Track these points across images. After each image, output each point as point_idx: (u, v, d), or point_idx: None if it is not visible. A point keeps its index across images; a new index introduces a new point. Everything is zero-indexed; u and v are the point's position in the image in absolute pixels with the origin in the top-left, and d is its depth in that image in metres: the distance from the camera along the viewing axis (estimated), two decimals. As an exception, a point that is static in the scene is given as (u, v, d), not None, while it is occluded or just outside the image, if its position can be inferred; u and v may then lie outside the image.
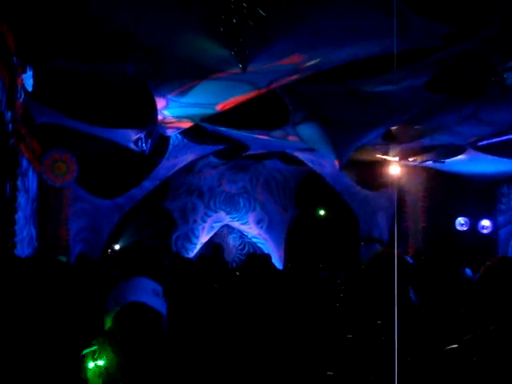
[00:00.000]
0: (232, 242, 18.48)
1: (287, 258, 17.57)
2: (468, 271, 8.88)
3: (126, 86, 9.32)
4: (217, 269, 6.91)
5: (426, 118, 10.96)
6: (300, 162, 16.49)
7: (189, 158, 15.41)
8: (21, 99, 8.76)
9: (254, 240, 18.61)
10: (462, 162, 13.78)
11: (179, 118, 10.93)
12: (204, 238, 17.95)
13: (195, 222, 17.76)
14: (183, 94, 9.16)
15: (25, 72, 8.32)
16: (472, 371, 2.41)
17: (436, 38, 7.20)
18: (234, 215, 18.25)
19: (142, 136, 12.01)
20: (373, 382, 2.89)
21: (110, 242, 15.68)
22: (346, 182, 16.54)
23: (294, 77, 8.90)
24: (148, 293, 2.42)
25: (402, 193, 15.99)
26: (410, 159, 13.90)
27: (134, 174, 14.79)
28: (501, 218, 15.89)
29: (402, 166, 13.80)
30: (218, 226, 18.28)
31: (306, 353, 3.55)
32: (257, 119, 11.65)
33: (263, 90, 9.26)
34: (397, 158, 13.26)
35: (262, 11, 6.03)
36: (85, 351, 2.37)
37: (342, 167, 13.41)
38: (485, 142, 12.46)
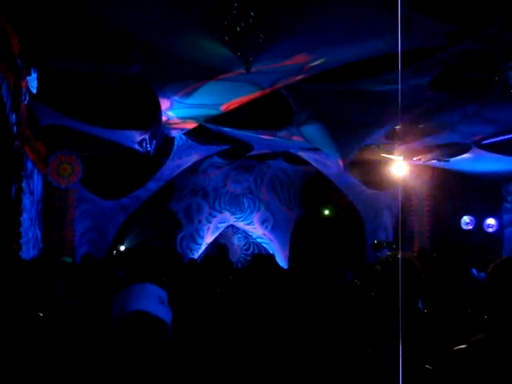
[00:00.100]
0: (237, 242, 18.49)
1: (292, 258, 17.56)
2: (474, 271, 8.87)
3: (130, 88, 9.33)
4: (222, 270, 6.91)
5: (430, 117, 10.95)
6: (304, 162, 16.48)
7: (193, 158, 15.43)
8: (25, 101, 8.79)
9: (259, 240, 18.62)
10: (466, 161, 13.76)
11: (184, 118, 10.94)
12: (209, 239, 17.96)
13: (200, 222, 17.77)
14: (188, 95, 9.17)
15: (29, 74, 8.34)
16: (481, 372, 2.41)
17: (440, 37, 7.19)
18: (239, 215, 18.26)
19: (147, 137, 12.04)
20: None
21: (115, 242, 15.71)
22: (350, 182, 16.53)
23: (299, 77, 8.90)
24: (153, 300, 2.38)
25: (407, 192, 15.97)
26: (415, 158, 13.88)
27: (139, 174, 14.81)
28: (506, 217, 15.85)
29: (407, 165, 13.78)
30: (222, 226, 18.28)
31: (314, 356, 3.54)
32: (261, 119, 11.66)
33: (267, 90, 9.26)
34: (401, 158, 13.25)
35: (265, 11, 6.03)
36: None
37: (346, 167, 13.40)
38: (489, 141, 12.44)
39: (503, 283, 2.53)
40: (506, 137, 12.04)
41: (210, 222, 17.94)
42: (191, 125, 11.68)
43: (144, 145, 12.28)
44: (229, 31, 6.39)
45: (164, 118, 10.51)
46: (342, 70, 8.75)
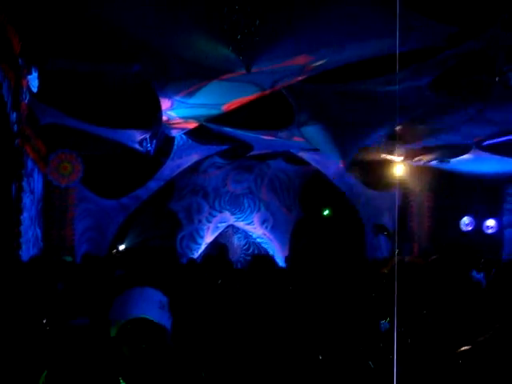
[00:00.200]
0: (237, 242, 18.49)
1: (292, 258, 17.55)
2: (475, 273, 8.87)
3: (131, 87, 9.34)
4: (222, 270, 6.92)
5: (430, 117, 10.95)
6: (304, 162, 16.49)
7: (193, 158, 15.43)
8: (26, 100, 8.80)
9: (259, 240, 18.62)
10: (467, 162, 13.76)
11: (184, 118, 10.95)
12: (209, 238, 17.96)
13: (200, 222, 17.78)
14: (189, 95, 9.18)
15: (30, 73, 8.35)
16: (485, 372, 2.41)
17: (440, 38, 7.20)
18: (239, 215, 18.26)
19: (147, 136, 12.05)
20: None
21: (115, 242, 15.71)
22: (350, 182, 16.54)
23: (300, 77, 8.91)
24: (153, 306, 2.36)
25: (407, 193, 15.98)
26: (415, 159, 13.89)
27: (139, 174, 14.82)
28: (506, 218, 15.86)
29: (407, 165, 13.79)
30: (222, 226, 18.29)
31: (314, 356, 3.54)
32: (262, 120, 11.66)
33: (268, 91, 9.27)
34: (402, 158, 13.26)
35: (265, 12, 6.04)
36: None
37: (346, 167, 13.41)
38: (490, 142, 12.45)
39: (509, 284, 2.53)
40: (507, 138, 12.04)
41: (210, 222, 17.94)
42: (192, 124, 11.69)
43: (144, 144, 12.29)
44: (230, 31, 6.40)
45: (165, 118, 10.51)
46: (342, 71, 8.76)
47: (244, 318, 3.99)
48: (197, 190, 17.59)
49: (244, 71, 7.37)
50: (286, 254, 17.75)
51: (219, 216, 18.03)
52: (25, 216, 9.68)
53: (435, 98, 9.91)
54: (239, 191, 18.12)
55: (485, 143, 12.53)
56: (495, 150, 12.71)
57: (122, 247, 15.80)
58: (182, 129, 12.11)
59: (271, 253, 17.45)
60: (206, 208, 17.78)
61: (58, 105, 10.05)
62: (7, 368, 3.10)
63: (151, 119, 10.92)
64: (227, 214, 18.11)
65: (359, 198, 17.03)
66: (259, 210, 18.33)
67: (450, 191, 15.69)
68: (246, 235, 18.62)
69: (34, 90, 8.65)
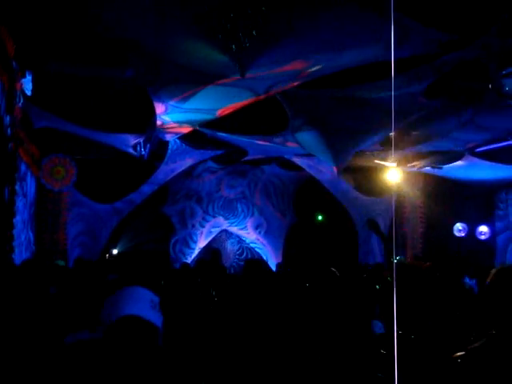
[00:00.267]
0: (230, 247, 18.48)
1: (285, 263, 17.57)
2: (467, 279, 8.89)
3: (125, 91, 9.34)
4: (215, 274, 6.91)
5: (424, 124, 10.99)
6: (298, 168, 16.52)
7: (187, 162, 15.42)
8: (20, 104, 8.78)
9: (252, 245, 18.62)
10: (460, 168, 13.81)
11: (179, 123, 10.95)
12: (202, 243, 17.95)
13: (193, 226, 17.77)
14: (184, 100, 9.18)
15: (24, 77, 8.34)
16: (480, 378, 2.42)
17: (434, 45, 7.23)
18: (233, 220, 18.27)
19: (141, 141, 12.04)
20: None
21: (108, 246, 15.68)
22: (344, 188, 16.57)
23: (295, 83, 8.92)
24: (145, 305, 2.35)
25: (400, 199, 16.02)
26: (409, 165, 13.93)
27: (133, 178, 14.80)
28: (498, 224, 15.91)
29: (401, 171, 13.83)
30: (216, 230, 18.28)
31: (308, 360, 3.54)
32: (256, 125, 11.67)
33: (263, 96, 9.28)
34: (395, 164, 13.30)
35: (262, 16, 6.05)
36: None
37: (339, 173, 13.43)
38: (483, 148, 12.50)
39: (504, 290, 2.53)
40: (499, 144, 12.10)
41: (203, 227, 17.93)
42: (186, 129, 11.68)
43: (138, 148, 12.29)
44: (224, 37, 6.41)
45: (159, 122, 10.51)
46: (336, 77, 8.78)
47: (237, 321, 3.98)
48: (190, 194, 17.59)
49: (239, 76, 7.38)
50: (280, 258, 17.77)
51: (213, 221, 18.03)
52: (17, 219, 9.66)
53: (429, 105, 9.95)
54: (233, 196, 18.12)
55: (478, 150, 12.58)
56: (488, 156, 12.76)
57: (115, 251, 15.77)
58: (176, 133, 12.11)
59: (265, 258, 17.45)
60: (200, 213, 17.78)
61: (52, 109, 10.04)
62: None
63: (145, 124, 10.92)
64: (221, 218, 18.11)
65: (352, 203, 17.05)
66: (253, 214, 18.34)
67: (443, 197, 15.74)
68: (240, 240, 18.62)
69: (28, 93, 8.64)
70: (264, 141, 12.74)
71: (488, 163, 12.97)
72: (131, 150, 12.54)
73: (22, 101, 8.84)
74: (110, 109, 10.08)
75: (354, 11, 6.27)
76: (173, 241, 17.49)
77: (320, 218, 18.10)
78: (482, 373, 2.43)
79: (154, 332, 2.31)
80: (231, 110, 10.00)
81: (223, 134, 12.51)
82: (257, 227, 18.44)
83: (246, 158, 15.36)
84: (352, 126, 10.97)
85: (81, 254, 13.70)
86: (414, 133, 11.40)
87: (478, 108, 9.95)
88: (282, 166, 17.15)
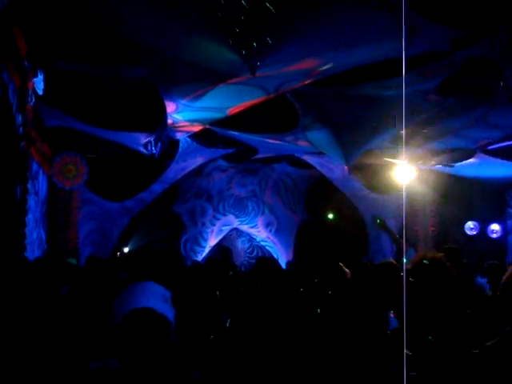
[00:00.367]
0: (241, 245, 18.50)
1: (296, 261, 17.55)
2: (479, 278, 8.83)
3: (136, 90, 9.36)
4: (226, 272, 6.92)
5: (435, 121, 10.94)
6: (309, 166, 16.50)
7: (198, 161, 15.44)
8: (31, 103, 8.83)
9: (263, 243, 18.62)
10: (471, 166, 13.74)
11: (189, 121, 10.97)
12: (213, 241, 17.97)
13: (204, 225, 17.79)
14: (194, 98, 9.20)
15: (36, 76, 8.38)
16: (493, 376, 2.41)
17: (445, 43, 7.20)
18: (243, 218, 18.28)
19: (152, 139, 12.07)
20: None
21: (119, 245, 15.72)
22: (354, 186, 16.52)
23: (306, 81, 8.91)
24: (157, 298, 2.36)
25: (411, 197, 15.95)
26: (419, 163, 13.86)
27: (144, 177, 14.83)
28: (510, 223, 15.81)
29: (411, 169, 13.77)
30: (226, 229, 18.30)
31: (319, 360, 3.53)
32: (267, 123, 11.67)
33: (273, 94, 9.28)
34: (406, 162, 13.24)
35: (272, 15, 6.05)
36: None
37: (350, 171, 13.40)
38: (494, 146, 12.43)
39: None
40: (511, 142, 12.03)
41: (213, 225, 17.96)
42: (197, 128, 11.70)
43: (149, 147, 12.31)
44: (234, 35, 6.41)
45: (170, 121, 10.53)
46: (346, 74, 8.76)
47: (248, 319, 3.99)
48: (201, 193, 17.61)
49: (249, 75, 7.38)
50: (290, 256, 17.76)
51: (223, 219, 18.04)
52: (29, 218, 9.71)
53: (440, 102, 9.91)
54: (243, 194, 18.13)
55: (489, 147, 12.51)
56: (500, 154, 12.69)
57: (126, 250, 15.82)
58: (187, 132, 12.13)
59: (275, 256, 17.45)
60: (210, 211, 17.80)
61: (64, 107, 10.08)
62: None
63: (156, 122, 10.94)
64: (231, 217, 18.12)
65: (363, 201, 17.01)
66: (263, 213, 18.34)
67: (455, 195, 15.66)
68: (250, 238, 18.63)
69: (40, 92, 8.68)
70: (275, 139, 12.74)
71: (500, 161, 12.90)
72: (142, 149, 12.57)
73: (33, 100, 8.88)
74: (122, 107, 10.10)
75: (365, 8, 6.25)
76: (183, 239, 17.52)
77: (331, 216, 18.07)
78: (496, 371, 2.42)
79: (167, 325, 2.32)
80: (242, 109, 10.01)
81: (234, 133, 12.52)
82: (267, 225, 18.44)
83: (256, 157, 15.36)
84: (362, 124, 10.95)
85: (92, 252, 13.75)
86: (425, 130, 11.35)
87: (490, 105, 9.90)
88: (293, 164, 17.12)
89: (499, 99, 9.36)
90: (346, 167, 12.98)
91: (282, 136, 12.36)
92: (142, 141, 12.23)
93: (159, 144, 12.08)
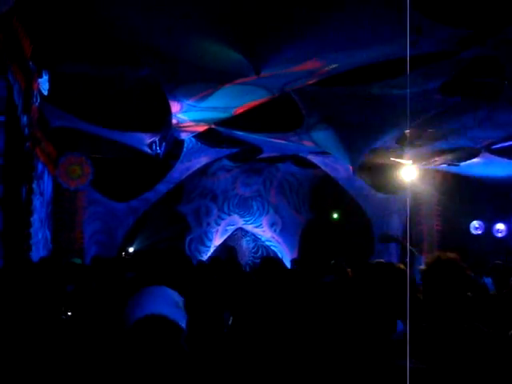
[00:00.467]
0: (245, 245, 18.50)
1: (301, 261, 17.53)
2: (484, 278, 8.80)
3: (141, 90, 9.38)
4: (231, 272, 6.92)
5: (440, 121, 10.93)
6: (314, 166, 16.49)
7: (203, 161, 15.45)
8: (37, 103, 8.85)
9: (268, 243, 18.62)
10: (476, 165, 13.72)
11: (195, 121, 10.98)
12: (217, 241, 17.98)
13: (209, 224, 17.80)
14: (199, 99, 9.21)
15: (41, 76, 8.40)
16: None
17: (450, 42, 7.19)
18: (248, 218, 18.28)
19: (157, 139, 12.09)
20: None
21: (125, 244, 15.75)
22: (359, 186, 16.51)
23: (311, 81, 8.92)
24: (170, 304, 2.33)
25: (416, 196, 15.92)
26: (424, 162, 13.85)
27: (149, 177, 14.86)
28: (516, 222, 15.79)
29: (417, 169, 13.75)
30: (231, 229, 18.30)
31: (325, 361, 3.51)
32: (272, 123, 11.67)
33: (278, 94, 9.29)
34: (411, 162, 13.22)
35: (275, 16, 6.05)
36: None
37: (355, 171, 13.39)
38: (500, 145, 12.40)
39: None
40: (516, 141, 12.01)
41: (218, 225, 17.97)
42: (202, 127, 11.71)
43: (154, 147, 12.33)
44: (240, 36, 6.42)
45: (174, 121, 10.54)
46: (351, 74, 8.76)
47: (251, 318, 3.99)
48: (206, 192, 17.62)
49: (254, 76, 7.38)
50: (295, 256, 17.75)
51: (228, 219, 18.05)
52: (35, 218, 9.74)
53: (445, 102, 9.89)
54: (248, 194, 18.13)
55: (494, 147, 12.49)
56: (505, 153, 12.67)
57: (131, 249, 15.84)
58: (192, 132, 12.14)
59: (280, 255, 17.45)
60: (215, 211, 17.81)
61: (68, 108, 10.10)
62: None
63: (161, 122, 10.95)
64: (236, 216, 18.13)
65: (368, 201, 16.99)
66: (268, 212, 18.34)
67: (460, 195, 15.63)
68: (255, 238, 18.63)
69: (45, 93, 8.70)
70: (279, 139, 12.74)
71: (505, 160, 12.87)
72: (147, 149, 12.59)
73: (38, 100, 8.90)
74: (126, 108, 10.12)
75: (370, 8, 6.25)
76: (188, 239, 17.54)
77: (335, 215, 18.06)
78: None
79: (178, 331, 2.29)
80: (247, 108, 10.01)
81: (238, 132, 12.53)
82: (272, 225, 18.43)
83: (261, 156, 15.36)
84: (367, 124, 10.94)
85: (97, 252, 13.78)
86: (429, 130, 11.34)
87: (495, 105, 9.88)
88: (298, 163, 17.11)
89: (504, 98, 9.35)
90: (351, 167, 12.97)
91: (286, 136, 12.36)
92: (147, 141, 12.25)
93: (164, 144, 12.09)
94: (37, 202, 10.05)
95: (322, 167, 16.39)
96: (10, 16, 6.37)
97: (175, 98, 9.34)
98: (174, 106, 9.66)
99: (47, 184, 11.77)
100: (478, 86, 9.20)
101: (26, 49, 7.63)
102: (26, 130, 8.44)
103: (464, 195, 15.61)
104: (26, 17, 6.94)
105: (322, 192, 17.96)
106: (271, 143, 13.28)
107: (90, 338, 3.37)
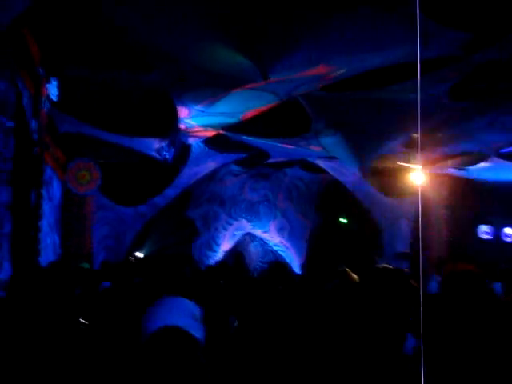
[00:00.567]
0: (253, 249, 18.48)
1: (308, 266, 17.51)
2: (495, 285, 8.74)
3: (149, 95, 9.40)
4: (238, 277, 6.93)
5: (448, 125, 10.91)
6: (321, 170, 16.48)
7: (210, 166, 15.48)
8: (45, 109, 8.89)
9: (276, 248, 18.60)
10: (485, 170, 13.68)
11: (202, 126, 11.00)
12: (225, 246, 17.98)
13: (216, 229, 17.81)
14: (207, 104, 9.23)
15: (49, 82, 8.44)
16: None
17: (458, 46, 7.18)
18: (256, 223, 18.27)
19: (165, 144, 12.11)
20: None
21: (133, 249, 15.78)
22: (367, 190, 16.47)
23: (319, 86, 8.93)
24: (187, 316, 2.28)
25: (424, 201, 15.87)
26: (433, 167, 13.81)
27: (157, 182, 14.90)
28: (525, 227, 15.72)
29: (425, 173, 13.72)
30: (239, 233, 18.30)
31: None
32: (279, 128, 11.68)
33: (286, 99, 9.30)
34: (419, 166, 13.19)
35: (282, 22, 6.07)
36: None
37: (364, 175, 13.38)
38: (508, 150, 12.36)
39: None
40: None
41: (226, 230, 17.97)
42: (209, 133, 11.73)
43: (162, 152, 12.35)
44: (247, 40, 6.43)
45: (182, 126, 10.57)
46: (358, 79, 8.76)
47: (257, 322, 3.98)
48: (213, 197, 17.64)
49: (263, 81, 7.40)
50: (303, 261, 17.73)
51: (236, 224, 18.05)
52: (44, 223, 9.77)
53: (453, 106, 9.88)
54: (256, 199, 18.13)
55: (503, 151, 12.45)
56: (513, 157, 12.65)
57: (139, 254, 15.85)
58: (200, 137, 12.17)
59: (288, 260, 17.43)
60: (223, 216, 17.82)
61: (77, 113, 10.14)
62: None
63: (169, 127, 10.97)
64: (244, 221, 18.13)
65: (376, 205, 16.95)
66: (276, 217, 18.33)
67: (468, 199, 15.57)
68: (263, 243, 18.61)
69: (54, 98, 8.75)
70: (287, 144, 12.75)
71: (513, 164, 12.85)
72: (155, 154, 12.62)
73: (47, 106, 8.95)
74: (134, 113, 10.15)
75: (378, 12, 6.25)
76: (196, 244, 17.56)
77: (343, 220, 18.03)
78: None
79: (195, 344, 2.23)
80: (255, 114, 10.03)
81: (246, 137, 12.54)
82: (280, 230, 18.42)
83: (268, 161, 15.37)
84: (375, 128, 10.93)
85: (106, 257, 13.81)
86: (438, 134, 11.31)
87: (504, 109, 9.85)
88: (305, 168, 17.11)
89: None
90: (359, 171, 12.95)
91: (294, 141, 12.37)
92: (155, 146, 12.27)
93: (172, 149, 12.12)
94: (46, 206, 10.08)
95: (330, 172, 16.37)
96: (18, 23, 6.41)
97: (183, 104, 9.37)
98: (182, 111, 9.69)
99: (56, 189, 11.80)
100: (486, 90, 9.19)
101: (34, 55, 7.68)
102: (35, 135, 8.48)
103: (472, 199, 15.55)
104: (34, 23, 6.98)
105: (330, 197, 17.94)
106: (279, 148, 13.29)
107: (105, 349, 3.36)
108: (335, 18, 6.23)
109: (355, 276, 5.18)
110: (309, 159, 15.68)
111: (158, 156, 12.65)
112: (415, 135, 11.52)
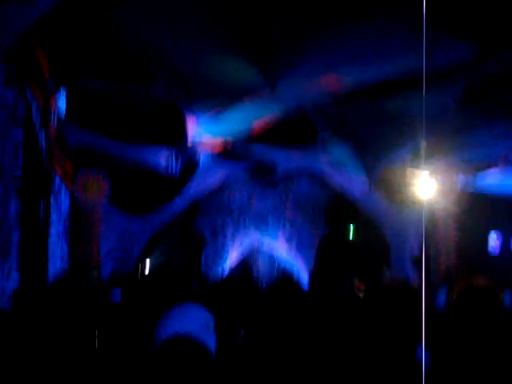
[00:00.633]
0: (261, 259, 18.43)
1: (317, 276, 17.45)
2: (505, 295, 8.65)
3: (157, 106, 9.44)
4: (247, 289, 6.91)
5: (456, 134, 10.88)
6: (329, 179, 16.44)
7: (218, 175, 15.48)
8: (54, 120, 8.94)
9: (284, 257, 18.54)
10: (494, 179, 13.62)
11: (211, 135, 11.02)
12: (234, 256, 17.94)
13: (225, 239, 17.77)
14: (216, 114, 9.26)
15: (58, 93, 8.49)
16: None
17: (466, 56, 7.18)
18: (264, 233, 18.23)
19: (173, 155, 12.14)
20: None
21: (141, 260, 15.78)
22: (375, 199, 16.40)
23: (327, 96, 8.94)
24: (198, 325, 2.26)
25: (432, 210, 15.80)
26: (441, 176, 13.77)
27: (165, 191, 14.91)
28: (534, 236, 15.62)
29: (433, 183, 13.67)
30: (247, 243, 18.26)
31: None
32: (287, 137, 11.69)
33: (294, 109, 9.32)
34: (427, 175, 13.15)
35: (290, 32, 6.08)
36: None
37: (371, 184, 13.35)
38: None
39: None
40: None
41: (234, 239, 17.93)
42: (218, 142, 11.75)
43: (170, 162, 12.38)
44: (254, 52, 6.45)
45: (191, 136, 10.59)
46: (366, 88, 8.76)
47: (263, 334, 3.97)
48: (221, 207, 17.62)
49: (270, 91, 7.42)
50: (311, 271, 17.67)
51: (244, 233, 18.02)
52: (52, 232, 9.81)
53: (462, 114, 9.86)
54: (264, 208, 18.09)
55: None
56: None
57: (146, 265, 15.85)
58: (208, 146, 12.18)
59: (296, 270, 17.38)
60: (231, 225, 17.79)
61: (85, 124, 10.19)
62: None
63: (177, 137, 11.00)
64: (252, 230, 18.08)
65: (384, 215, 16.88)
66: (284, 227, 18.28)
67: (477, 208, 15.50)
68: (271, 253, 18.56)
69: (62, 109, 8.80)
70: (294, 153, 12.76)
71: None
72: (164, 164, 12.65)
73: (56, 117, 9.00)
74: (143, 123, 10.19)
75: (385, 23, 6.26)
76: (204, 254, 17.54)
77: (351, 229, 17.97)
78: None
79: (206, 352, 2.20)
80: (263, 123, 10.05)
81: (254, 146, 12.56)
82: (288, 239, 18.37)
83: (276, 170, 15.37)
84: (383, 137, 10.92)
85: (114, 267, 13.83)
86: (446, 143, 11.29)
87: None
88: (313, 177, 17.07)
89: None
90: (367, 180, 12.93)
91: (302, 149, 12.38)
92: (164, 156, 12.30)
93: (180, 159, 12.14)
94: (54, 216, 10.12)
95: (338, 181, 16.34)
96: (29, 35, 6.45)
97: (192, 113, 9.39)
98: (191, 121, 9.71)
99: (64, 199, 11.84)
100: (495, 99, 9.17)
101: (43, 67, 7.72)
102: (44, 145, 8.52)
103: (481, 209, 15.47)
104: (43, 35, 7.03)
105: (338, 206, 17.88)
106: (287, 157, 13.30)
107: (116, 358, 3.35)
108: (346, 27, 6.24)
109: (362, 287, 5.15)
110: (317, 168, 15.66)
111: (166, 166, 12.69)
112: (423, 143, 11.50)
